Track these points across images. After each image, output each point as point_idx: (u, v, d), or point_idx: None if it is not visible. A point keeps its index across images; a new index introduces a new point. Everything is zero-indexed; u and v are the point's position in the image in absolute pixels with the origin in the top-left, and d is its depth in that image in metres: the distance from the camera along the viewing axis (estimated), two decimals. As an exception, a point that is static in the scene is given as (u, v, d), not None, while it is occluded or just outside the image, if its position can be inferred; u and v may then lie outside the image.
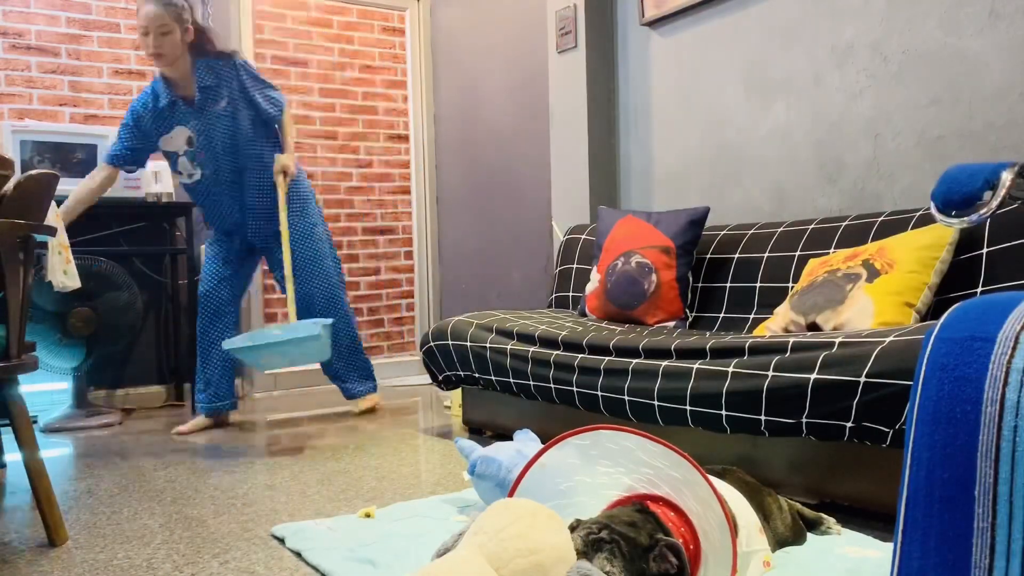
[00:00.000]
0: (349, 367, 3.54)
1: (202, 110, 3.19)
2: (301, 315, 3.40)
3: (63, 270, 3.13)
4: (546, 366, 2.55)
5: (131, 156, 3.20)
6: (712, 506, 1.34)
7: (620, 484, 1.51)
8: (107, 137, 3.67)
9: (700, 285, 2.90)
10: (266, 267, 4.22)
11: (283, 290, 3.39)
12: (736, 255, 2.82)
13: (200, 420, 3.35)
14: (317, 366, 4.67)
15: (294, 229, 3.34)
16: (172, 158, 3.25)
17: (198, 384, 3.39)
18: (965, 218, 0.99)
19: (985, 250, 2.12)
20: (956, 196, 0.99)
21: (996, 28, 2.34)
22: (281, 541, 1.88)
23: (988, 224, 2.13)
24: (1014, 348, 0.78)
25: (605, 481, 1.52)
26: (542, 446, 1.54)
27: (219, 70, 3.20)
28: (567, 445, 1.51)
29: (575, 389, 2.45)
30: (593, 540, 1.33)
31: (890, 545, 1.67)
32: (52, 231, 2.04)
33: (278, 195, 3.29)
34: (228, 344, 2.98)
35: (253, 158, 3.29)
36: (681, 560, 1.31)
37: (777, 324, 2.35)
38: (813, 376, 1.84)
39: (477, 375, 2.87)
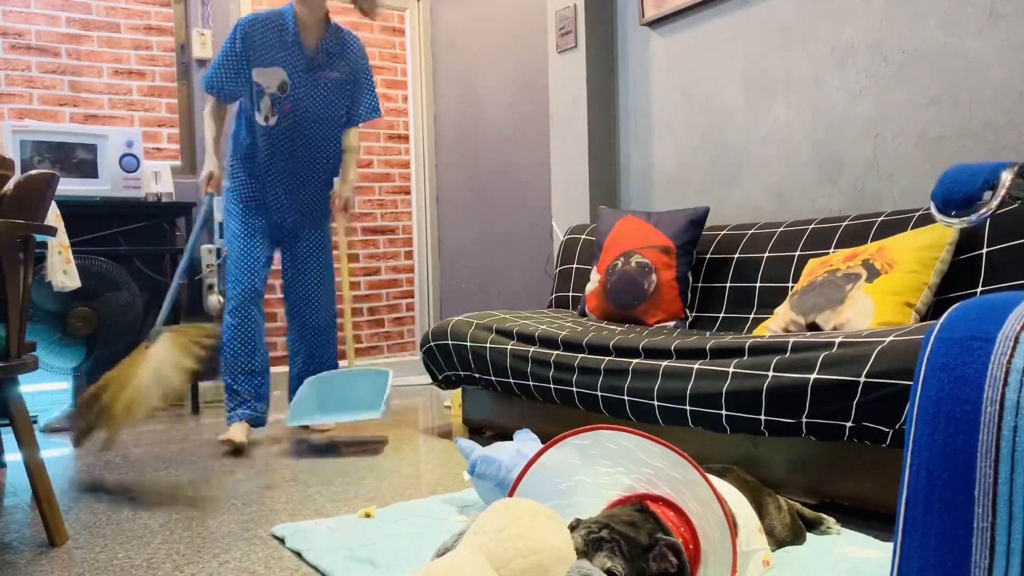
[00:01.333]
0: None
1: (313, 68, 2.98)
2: (306, 340, 3.21)
3: (63, 270, 3.14)
4: (546, 366, 2.55)
5: (236, 87, 2.98)
6: (712, 506, 1.34)
7: (620, 484, 1.51)
8: (107, 137, 3.67)
9: (700, 285, 2.90)
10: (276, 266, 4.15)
11: (285, 290, 3.23)
12: (736, 255, 2.82)
13: (243, 428, 2.96)
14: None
15: (321, 258, 3.21)
16: (257, 91, 2.95)
17: (242, 392, 3.00)
18: (965, 218, 0.99)
19: (985, 250, 2.12)
20: (956, 196, 0.99)
21: (996, 28, 2.34)
22: (281, 541, 1.88)
23: (988, 224, 2.13)
24: (1014, 348, 0.78)
25: (605, 481, 1.52)
26: (542, 446, 1.54)
27: (348, 43, 3.06)
28: (567, 445, 1.51)
29: (575, 389, 2.45)
30: (593, 539, 1.33)
31: (890, 545, 1.67)
32: (52, 231, 2.04)
33: (330, 207, 3.15)
34: (295, 418, 2.90)
35: (328, 143, 3.09)
36: (681, 559, 1.31)
37: (777, 324, 2.35)
38: (813, 376, 1.84)
39: (477, 375, 2.87)
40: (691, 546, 1.37)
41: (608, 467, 1.51)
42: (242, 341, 2.99)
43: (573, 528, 1.39)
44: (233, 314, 3.00)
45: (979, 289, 2.11)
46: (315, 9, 2.93)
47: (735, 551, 1.30)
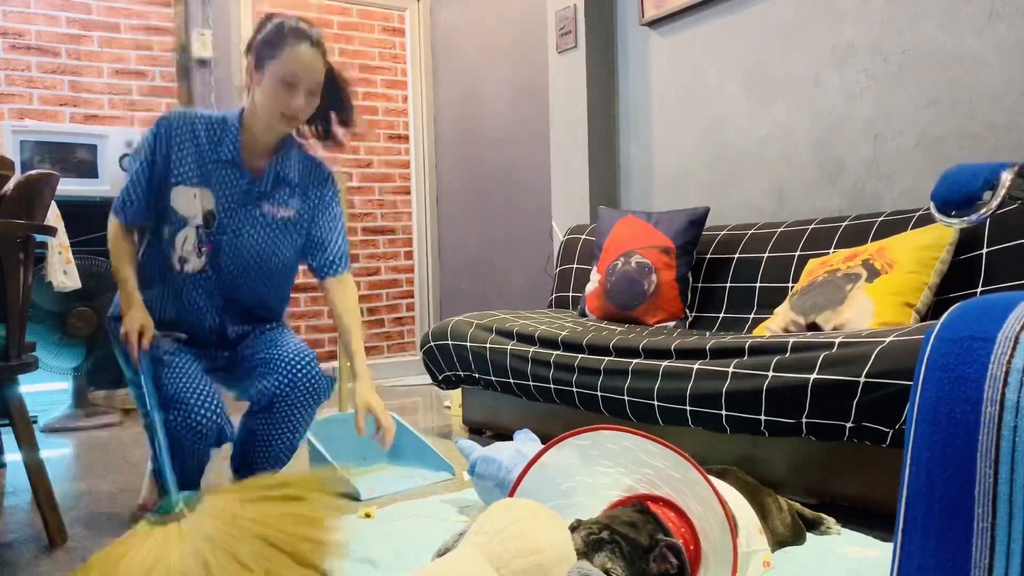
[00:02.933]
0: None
1: (258, 198, 2.06)
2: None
3: (63, 270, 3.14)
4: (546, 366, 2.55)
5: (144, 210, 2.04)
6: (712, 506, 1.34)
7: (620, 484, 1.51)
8: (107, 137, 3.67)
9: (700, 285, 2.90)
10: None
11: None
12: (736, 255, 2.82)
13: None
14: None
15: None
16: (173, 223, 2.02)
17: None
18: (965, 218, 0.99)
19: (985, 250, 2.12)
20: (956, 196, 0.99)
21: (996, 28, 2.34)
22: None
23: (988, 224, 2.13)
24: (1014, 348, 0.78)
25: (605, 481, 1.52)
26: (542, 446, 1.54)
27: (311, 171, 2.16)
28: (567, 445, 1.51)
29: (575, 389, 2.45)
30: (594, 540, 1.33)
31: (890, 545, 1.67)
32: (52, 231, 2.04)
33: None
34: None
35: (267, 306, 2.19)
36: (681, 560, 1.31)
37: (777, 324, 2.35)
38: (813, 376, 1.84)
39: (477, 375, 2.87)
40: (692, 547, 1.37)
41: (608, 467, 1.51)
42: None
43: (574, 529, 1.39)
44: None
45: (979, 289, 2.11)
46: (276, 129, 2.00)
47: (736, 551, 1.30)
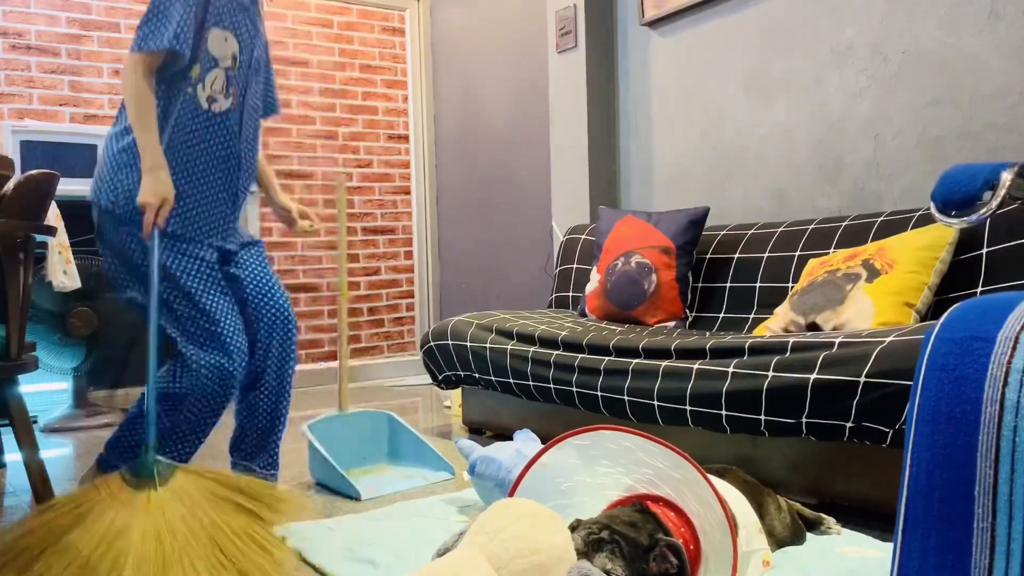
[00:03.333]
0: (261, 445, 2.21)
1: (257, 38, 2.13)
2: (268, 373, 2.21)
3: (63, 270, 3.14)
4: (546, 366, 2.55)
5: (194, 44, 1.99)
6: (712, 506, 1.34)
7: (620, 484, 1.51)
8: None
9: (700, 285, 2.90)
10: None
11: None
12: (736, 255, 2.82)
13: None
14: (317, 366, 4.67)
15: (266, 266, 2.24)
16: (205, 65, 1.99)
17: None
18: (965, 218, 0.99)
19: (985, 250, 2.12)
20: (956, 196, 0.99)
21: (996, 28, 2.34)
22: (281, 541, 1.87)
23: (988, 224, 2.13)
24: (1014, 348, 0.78)
25: (605, 481, 1.52)
26: (542, 446, 1.54)
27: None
28: (567, 445, 1.51)
29: (575, 389, 2.45)
30: (594, 540, 1.33)
31: (890, 545, 1.67)
32: (52, 231, 2.04)
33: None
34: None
35: (255, 145, 2.22)
36: (681, 560, 1.31)
37: (777, 324, 2.35)
38: (813, 376, 1.84)
39: (477, 375, 2.87)
40: (691, 546, 1.37)
41: (608, 467, 1.51)
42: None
43: (573, 528, 1.39)
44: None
45: (979, 289, 2.11)
46: None
47: (736, 551, 1.30)
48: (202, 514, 1.45)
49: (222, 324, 1.97)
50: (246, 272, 2.16)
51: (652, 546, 1.32)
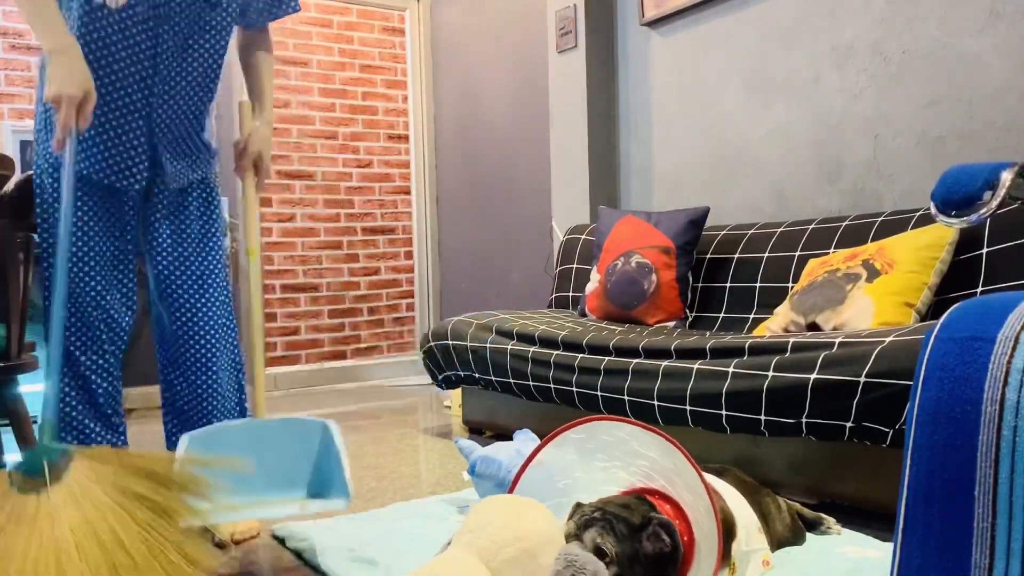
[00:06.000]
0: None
1: None
2: (188, 377, 1.84)
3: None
4: (546, 366, 2.55)
5: None
6: (699, 493, 1.35)
7: (617, 479, 1.52)
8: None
9: (700, 285, 2.90)
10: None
11: (153, 300, 1.85)
12: (736, 255, 2.82)
13: None
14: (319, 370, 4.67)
15: (208, 231, 1.85)
16: None
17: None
18: (965, 218, 0.99)
19: (985, 250, 2.12)
20: (956, 196, 0.99)
21: (996, 28, 2.34)
22: (281, 541, 1.88)
23: (988, 224, 2.13)
24: (1014, 348, 0.78)
25: (602, 477, 1.53)
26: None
27: None
28: (564, 442, 1.52)
29: (575, 389, 2.45)
30: (585, 519, 1.34)
31: (890, 545, 1.67)
32: (52, 231, 2.04)
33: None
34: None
35: (207, 50, 1.75)
36: (674, 539, 1.32)
37: (777, 324, 2.35)
38: (813, 376, 1.84)
39: (477, 375, 2.87)
40: (686, 537, 1.38)
41: (605, 461, 1.52)
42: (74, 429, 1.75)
43: (572, 515, 1.41)
44: (66, 378, 1.71)
45: (979, 289, 2.11)
46: None
47: (720, 533, 1.30)
48: (100, 522, 1.22)
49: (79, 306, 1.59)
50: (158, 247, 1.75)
51: (645, 524, 1.33)
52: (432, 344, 3.04)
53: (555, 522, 1.38)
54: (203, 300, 1.80)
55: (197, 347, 1.81)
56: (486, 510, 1.37)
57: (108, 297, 1.71)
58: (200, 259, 1.81)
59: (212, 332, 1.82)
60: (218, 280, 1.84)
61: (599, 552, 1.29)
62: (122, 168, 1.69)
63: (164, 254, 1.79)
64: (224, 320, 1.85)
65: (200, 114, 1.80)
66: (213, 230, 1.85)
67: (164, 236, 1.79)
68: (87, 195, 1.67)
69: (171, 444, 1.83)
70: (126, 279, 1.74)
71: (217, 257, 1.84)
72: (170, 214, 1.79)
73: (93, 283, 1.69)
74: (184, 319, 1.79)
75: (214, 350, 1.82)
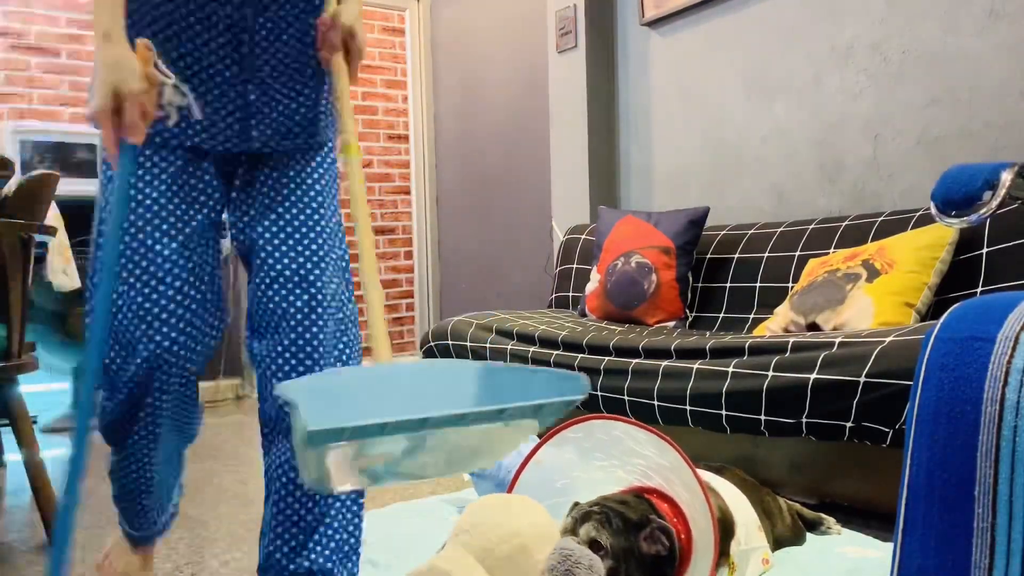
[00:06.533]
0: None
1: None
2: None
3: (63, 270, 3.14)
4: (546, 366, 2.55)
5: None
6: (695, 490, 1.35)
7: (615, 478, 1.52)
8: (107, 137, 3.66)
9: (700, 285, 2.90)
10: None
11: (252, 269, 1.40)
12: (736, 255, 2.82)
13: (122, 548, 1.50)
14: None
15: (319, 205, 1.41)
16: None
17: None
18: (965, 218, 0.99)
19: (985, 250, 2.12)
20: (956, 196, 0.99)
21: (996, 28, 2.34)
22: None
23: (988, 224, 2.13)
24: (1014, 348, 0.78)
25: (601, 476, 1.53)
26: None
27: None
28: (562, 441, 1.52)
29: (575, 389, 2.45)
30: (582, 514, 1.35)
31: (890, 545, 1.67)
32: (52, 231, 2.04)
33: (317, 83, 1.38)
34: (315, 423, 0.87)
35: None
36: (671, 543, 1.32)
37: (777, 324, 2.35)
38: (813, 376, 1.84)
39: (477, 375, 2.86)
40: (683, 536, 1.38)
41: (602, 460, 1.52)
42: (135, 462, 1.36)
43: (570, 512, 1.41)
44: (118, 397, 1.30)
45: (979, 289, 2.11)
46: None
47: (716, 532, 1.30)
48: None
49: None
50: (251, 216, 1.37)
51: (642, 522, 1.33)
52: (432, 344, 3.04)
53: (549, 517, 1.38)
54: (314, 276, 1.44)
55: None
56: (479, 510, 1.38)
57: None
58: (310, 215, 1.41)
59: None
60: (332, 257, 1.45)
61: (594, 545, 1.29)
62: (208, 127, 1.32)
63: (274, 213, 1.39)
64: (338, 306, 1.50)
65: (300, 79, 1.37)
66: (326, 192, 1.45)
67: (275, 197, 1.39)
68: (164, 161, 1.30)
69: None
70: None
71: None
72: (277, 180, 1.40)
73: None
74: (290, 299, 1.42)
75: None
